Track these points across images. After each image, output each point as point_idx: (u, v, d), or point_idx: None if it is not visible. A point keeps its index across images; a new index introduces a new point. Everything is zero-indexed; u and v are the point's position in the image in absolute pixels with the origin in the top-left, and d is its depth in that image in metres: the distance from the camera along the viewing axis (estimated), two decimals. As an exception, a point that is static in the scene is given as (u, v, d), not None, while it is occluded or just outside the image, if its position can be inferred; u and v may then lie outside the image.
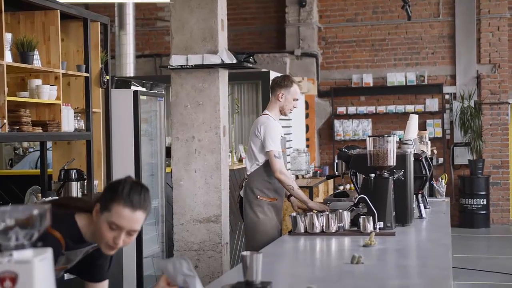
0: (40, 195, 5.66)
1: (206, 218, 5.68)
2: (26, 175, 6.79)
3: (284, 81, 5.41)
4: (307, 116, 12.47)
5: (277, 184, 5.29)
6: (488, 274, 8.56)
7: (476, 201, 12.31)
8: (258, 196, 5.30)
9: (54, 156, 6.01)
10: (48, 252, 1.83)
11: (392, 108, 12.88)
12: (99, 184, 6.04)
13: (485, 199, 12.34)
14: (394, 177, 4.51)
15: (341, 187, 10.31)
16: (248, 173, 5.41)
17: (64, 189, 5.60)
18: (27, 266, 1.77)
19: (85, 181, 5.77)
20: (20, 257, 1.80)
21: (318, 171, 10.84)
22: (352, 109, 13.00)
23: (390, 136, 4.49)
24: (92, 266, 2.91)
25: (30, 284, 1.77)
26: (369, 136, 4.52)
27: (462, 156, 12.70)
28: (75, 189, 5.59)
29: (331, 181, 10.94)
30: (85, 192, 5.78)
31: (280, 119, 5.40)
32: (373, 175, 4.44)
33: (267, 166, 5.22)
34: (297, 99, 5.43)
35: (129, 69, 10.82)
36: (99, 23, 6.07)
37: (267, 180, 5.28)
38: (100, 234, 2.67)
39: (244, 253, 2.77)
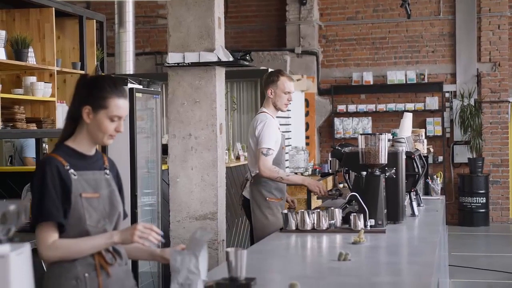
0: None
1: (203, 215, 5.68)
2: (24, 171, 6.81)
3: (270, 77, 5.36)
4: (307, 114, 12.48)
5: (281, 184, 5.28)
6: (485, 272, 8.56)
7: (476, 200, 12.31)
8: (267, 198, 5.27)
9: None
10: (26, 247, 1.85)
11: (392, 106, 12.88)
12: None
13: (484, 198, 12.34)
14: (385, 175, 4.53)
15: (341, 185, 10.28)
16: (253, 174, 5.36)
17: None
18: (3, 261, 1.79)
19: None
20: (-4, 251, 1.83)
21: (318, 169, 10.81)
22: (352, 107, 13.00)
23: (382, 134, 4.49)
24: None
25: (6, 278, 1.79)
26: (361, 134, 4.53)
27: (462, 155, 12.70)
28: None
29: (330, 179, 10.93)
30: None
31: (279, 117, 5.36)
32: (364, 173, 4.44)
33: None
34: (288, 92, 5.33)
35: (129, 67, 10.82)
36: (94, 20, 6.09)
37: (273, 180, 5.26)
38: (101, 130, 2.90)
39: (229, 249, 2.79)
